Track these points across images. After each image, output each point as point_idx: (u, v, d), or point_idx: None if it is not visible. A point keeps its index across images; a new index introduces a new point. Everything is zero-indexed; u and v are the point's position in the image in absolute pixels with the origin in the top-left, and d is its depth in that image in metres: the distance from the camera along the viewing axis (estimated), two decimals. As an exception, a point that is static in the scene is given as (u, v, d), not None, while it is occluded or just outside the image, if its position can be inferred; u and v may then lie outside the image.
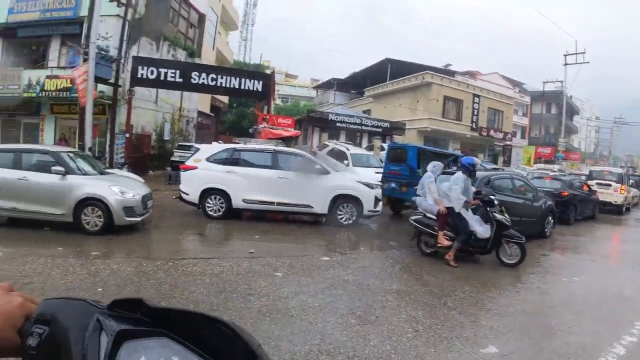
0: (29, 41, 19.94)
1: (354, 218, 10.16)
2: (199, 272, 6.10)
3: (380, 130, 28.21)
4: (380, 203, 10.55)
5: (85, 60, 13.92)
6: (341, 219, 10.11)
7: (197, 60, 23.30)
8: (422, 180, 8.18)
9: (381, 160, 16.03)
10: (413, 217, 8.04)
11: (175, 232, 9.19)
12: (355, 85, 43.30)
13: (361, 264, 7.21)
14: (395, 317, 4.92)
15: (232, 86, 17.14)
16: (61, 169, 8.11)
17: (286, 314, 4.76)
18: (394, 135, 28.26)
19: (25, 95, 17.27)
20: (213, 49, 28.54)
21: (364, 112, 35.60)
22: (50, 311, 0.67)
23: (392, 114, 31.90)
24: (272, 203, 10.01)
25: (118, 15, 16.75)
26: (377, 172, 13.70)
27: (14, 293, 0.72)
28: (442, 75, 34.12)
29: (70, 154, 9.00)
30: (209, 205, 10.06)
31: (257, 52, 71.58)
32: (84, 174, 8.54)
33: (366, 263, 7.38)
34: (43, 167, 8.32)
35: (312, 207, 10.07)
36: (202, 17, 25.82)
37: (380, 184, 11.38)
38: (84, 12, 16.77)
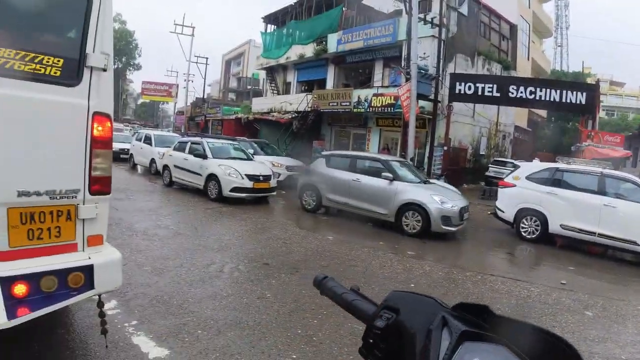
0: (355, 65, 23.67)
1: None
2: (505, 292, 5.93)
3: None
4: None
5: (407, 79, 15.16)
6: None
7: (512, 73, 22.77)
8: None
9: None
10: None
11: (486, 247, 9.14)
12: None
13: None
14: None
15: (552, 99, 15.84)
16: (390, 175, 9.25)
17: (589, 358, 4.18)
18: None
19: (355, 110, 20.25)
20: (528, 59, 27.29)
21: None
22: (399, 301, 0.75)
23: None
24: (592, 233, 8.68)
25: (432, 36, 17.82)
26: None
27: None
28: None
29: (397, 163, 10.06)
30: (523, 226, 9.54)
31: (574, 58, 63.38)
32: (408, 182, 9.40)
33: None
34: (374, 172, 9.65)
35: (639, 245, 8.31)
36: (513, 28, 25.02)
37: None
38: (401, 36, 18.63)
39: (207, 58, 40.60)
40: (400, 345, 0.71)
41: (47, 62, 2.54)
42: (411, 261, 6.96)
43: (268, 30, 29.97)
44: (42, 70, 2.53)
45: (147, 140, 17.09)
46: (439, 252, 7.98)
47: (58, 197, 2.65)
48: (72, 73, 2.66)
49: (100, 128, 2.77)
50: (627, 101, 53.98)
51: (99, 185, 2.83)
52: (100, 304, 2.99)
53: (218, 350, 3.48)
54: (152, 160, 16.03)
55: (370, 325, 0.76)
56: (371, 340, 0.75)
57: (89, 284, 2.66)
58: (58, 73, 2.59)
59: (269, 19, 29.67)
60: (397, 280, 5.87)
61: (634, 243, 8.31)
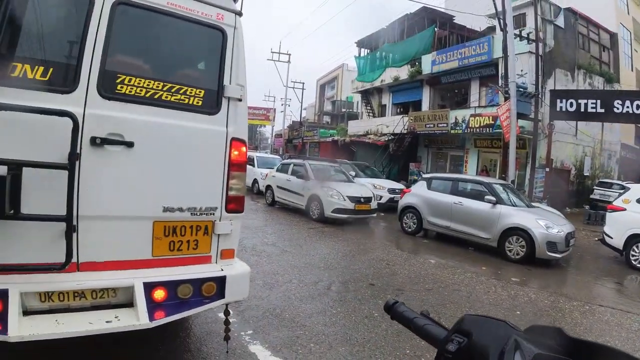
0: (451, 86, 23.47)
1: None
2: (615, 324, 5.68)
3: None
4: None
5: (506, 98, 14.89)
6: None
7: (616, 86, 21.39)
8: None
9: None
10: None
11: (593, 275, 8.68)
12: None
13: None
14: None
15: (661, 113, 14.77)
16: (493, 198, 9.20)
17: None
18: None
19: (452, 132, 20.14)
20: (632, 70, 25.24)
21: None
22: (471, 325, 0.76)
23: None
24: None
25: (529, 52, 17.41)
26: None
27: None
28: None
29: (500, 186, 9.93)
30: (634, 253, 8.98)
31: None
32: (512, 205, 9.28)
33: None
34: (476, 195, 9.66)
35: None
36: (613, 37, 23.45)
37: None
38: (496, 54, 18.35)
39: (303, 83, 42.43)
40: None
41: (190, 93, 2.86)
42: (515, 288, 6.84)
43: (362, 54, 30.55)
44: (186, 101, 2.85)
45: (250, 161, 17.74)
46: (544, 279, 7.74)
47: (198, 214, 2.92)
48: (212, 103, 2.96)
49: (236, 152, 3.04)
50: None
51: (235, 204, 3.08)
52: (227, 313, 3.23)
53: (331, 364, 3.68)
54: (255, 181, 16.97)
55: (442, 349, 0.76)
56: None
57: (220, 294, 2.90)
58: (200, 103, 2.91)
59: (362, 43, 30.31)
60: (502, 306, 5.83)
61: None
